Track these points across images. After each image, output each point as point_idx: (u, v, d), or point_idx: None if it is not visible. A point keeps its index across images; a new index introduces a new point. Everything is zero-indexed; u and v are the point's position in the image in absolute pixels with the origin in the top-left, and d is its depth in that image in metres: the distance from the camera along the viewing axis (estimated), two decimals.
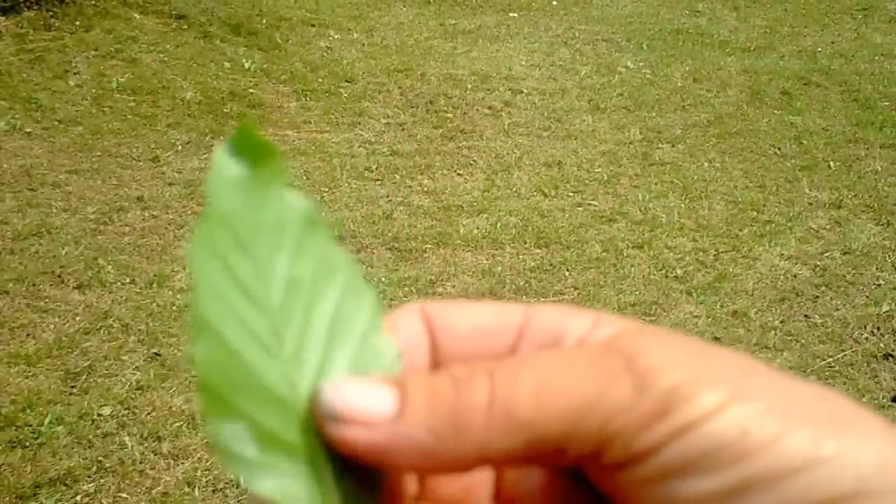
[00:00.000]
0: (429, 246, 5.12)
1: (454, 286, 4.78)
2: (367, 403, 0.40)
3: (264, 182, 0.43)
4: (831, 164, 6.35)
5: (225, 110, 6.64)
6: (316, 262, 0.44)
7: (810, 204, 5.78)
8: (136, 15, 7.92)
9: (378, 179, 5.82)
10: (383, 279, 4.78)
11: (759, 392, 0.38)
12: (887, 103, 7.49)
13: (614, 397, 0.38)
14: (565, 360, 0.40)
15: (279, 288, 0.43)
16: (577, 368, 0.39)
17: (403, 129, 6.59)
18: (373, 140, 6.39)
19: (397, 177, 5.86)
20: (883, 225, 5.56)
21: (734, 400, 0.38)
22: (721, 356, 0.40)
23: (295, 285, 0.43)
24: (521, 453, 0.39)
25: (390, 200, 5.56)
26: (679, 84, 7.78)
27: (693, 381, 0.38)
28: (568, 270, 4.97)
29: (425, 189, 5.73)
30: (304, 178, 5.72)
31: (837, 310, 4.78)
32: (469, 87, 7.41)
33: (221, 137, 6.19)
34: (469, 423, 0.39)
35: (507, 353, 0.45)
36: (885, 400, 4.16)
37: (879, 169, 6.29)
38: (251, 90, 7.02)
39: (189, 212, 5.25)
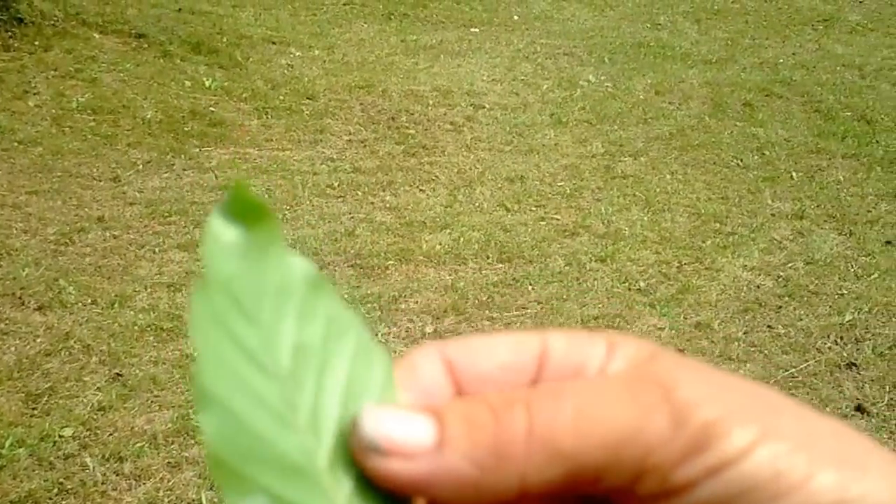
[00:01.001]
0: (391, 262, 5.10)
1: (417, 302, 4.76)
2: (406, 434, 0.39)
3: (262, 245, 0.41)
4: (793, 174, 6.38)
5: (186, 129, 6.61)
6: (324, 326, 0.42)
7: (773, 215, 5.80)
8: (95, 35, 7.89)
9: (340, 196, 5.80)
10: (346, 296, 4.76)
11: (787, 430, 0.39)
12: (849, 114, 7.53)
13: (654, 430, 0.38)
14: (602, 388, 0.40)
15: (287, 354, 0.41)
16: (615, 398, 0.39)
17: (365, 146, 6.58)
18: (335, 157, 6.37)
19: (359, 193, 5.84)
20: (845, 235, 5.59)
21: (766, 437, 0.38)
22: (749, 389, 0.41)
23: (304, 351, 0.42)
24: (560, 482, 0.39)
25: (352, 217, 5.54)
26: (641, 97, 7.80)
27: (727, 416, 0.38)
28: (531, 285, 4.97)
29: (387, 205, 5.72)
30: (266, 196, 5.69)
31: (800, 320, 4.80)
32: (431, 102, 7.41)
33: (182, 156, 6.17)
34: (510, 453, 0.39)
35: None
36: (848, 409, 4.17)
37: (841, 179, 6.33)
38: (212, 108, 6.99)
39: (150, 231, 5.22)
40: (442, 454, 0.39)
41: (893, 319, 4.84)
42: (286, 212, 5.53)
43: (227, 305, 0.40)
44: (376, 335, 4.49)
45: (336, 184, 5.95)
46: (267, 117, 6.95)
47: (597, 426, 0.38)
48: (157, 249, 5.05)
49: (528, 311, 4.76)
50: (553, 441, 0.38)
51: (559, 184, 6.12)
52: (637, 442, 0.38)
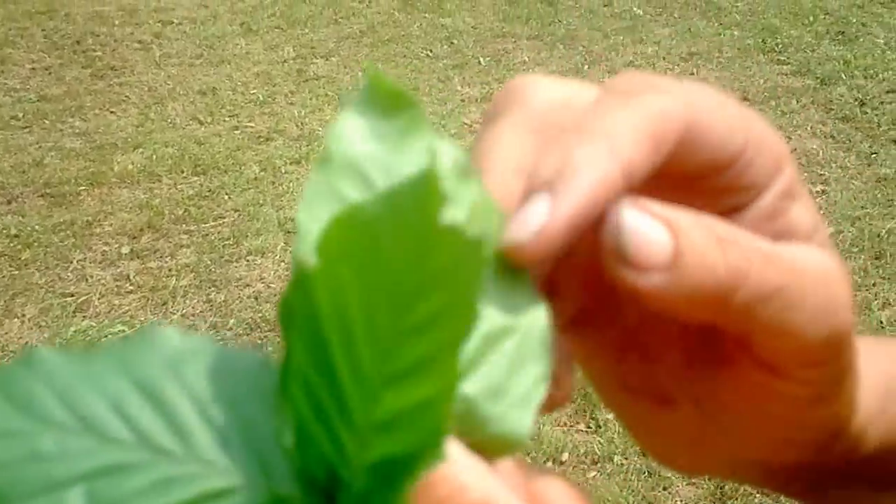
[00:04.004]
0: (83, 187, 5.00)
1: (112, 225, 4.69)
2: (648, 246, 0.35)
3: (403, 130, 0.36)
4: (481, 60, 6.49)
5: None
6: (470, 212, 0.36)
7: (462, 100, 5.90)
8: None
9: (26, 127, 5.63)
10: (37, 227, 4.66)
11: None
12: None
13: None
14: None
15: None
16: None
17: (50, 73, 6.40)
18: (18, 87, 6.17)
19: (46, 122, 5.69)
20: None
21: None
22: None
23: None
24: None
25: (40, 147, 5.39)
26: None
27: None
28: (227, 194, 4.95)
29: (77, 131, 5.59)
30: None
31: None
32: (117, 22, 7.24)
33: None
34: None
35: None
36: None
37: (526, 60, 6.47)
38: None
39: None
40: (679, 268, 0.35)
41: None
42: None
43: (352, 184, 0.35)
44: (71, 262, 4.43)
45: (21, 114, 5.78)
46: None
47: None
48: None
49: (226, 219, 4.75)
50: None
51: (252, 92, 6.09)
52: None
